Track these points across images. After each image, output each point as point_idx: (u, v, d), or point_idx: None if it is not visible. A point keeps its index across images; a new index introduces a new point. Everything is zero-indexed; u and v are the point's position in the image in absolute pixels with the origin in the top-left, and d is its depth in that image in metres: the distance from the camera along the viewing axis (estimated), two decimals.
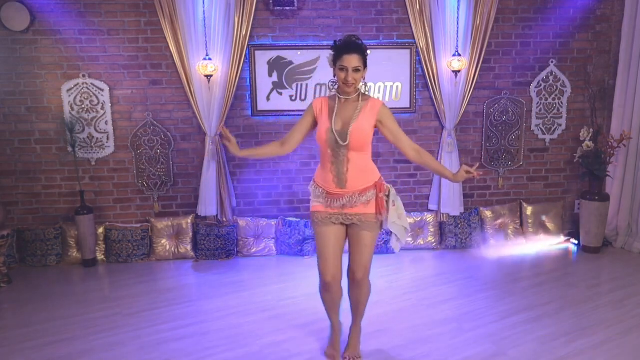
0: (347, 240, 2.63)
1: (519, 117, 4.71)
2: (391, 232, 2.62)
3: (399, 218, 2.60)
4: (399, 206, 2.63)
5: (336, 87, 2.56)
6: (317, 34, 4.43)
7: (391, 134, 2.56)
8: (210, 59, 4.17)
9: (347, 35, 2.51)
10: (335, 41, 2.52)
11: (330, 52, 2.51)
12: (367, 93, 2.65)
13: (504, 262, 4.29)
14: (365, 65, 2.52)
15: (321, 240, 2.55)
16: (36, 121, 4.34)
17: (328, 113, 2.53)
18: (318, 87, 4.46)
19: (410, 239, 4.60)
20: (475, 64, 4.44)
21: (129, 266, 4.33)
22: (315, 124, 2.60)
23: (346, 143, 2.44)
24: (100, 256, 4.44)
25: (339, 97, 2.54)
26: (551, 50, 4.65)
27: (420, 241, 4.63)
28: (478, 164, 2.70)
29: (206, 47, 4.20)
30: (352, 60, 2.43)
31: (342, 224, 2.56)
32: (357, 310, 2.73)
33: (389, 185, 2.63)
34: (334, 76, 2.51)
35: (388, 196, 2.59)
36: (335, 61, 2.48)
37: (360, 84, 2.55)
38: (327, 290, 2.59)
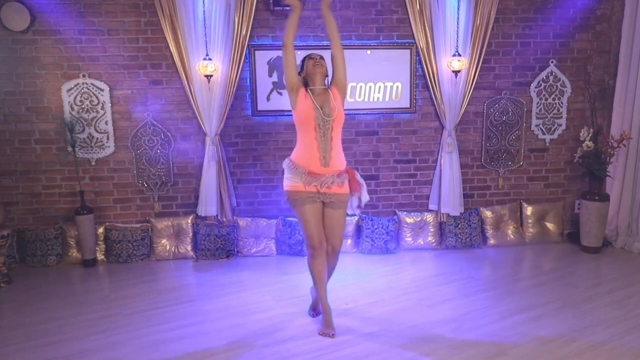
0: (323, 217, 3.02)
1: (519, 117, 4.71)
2: (358, 206, 3.12)
3: (366, 195, 3.12)
4: (365, 188, 3.13)
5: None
6: (317, 34, 4.43)
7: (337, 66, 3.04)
8: (210, 59, 4.17)
9: None
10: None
11: (299, 70, 3.07)
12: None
13: (504, 262, 4.29)
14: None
15: (306, 216, 2.95)
16: (36, 121, 4.34)
17: (310, 98, 2.94)
18: None
19: (410, 239, 4.60)
20: (475, 64, 4.44)
21: (129, 266, 4.33)
22: (296, 79, 2.98)
23: (332, 118, 2.90)
24: (100, 256, 4.43)
25: (312, 89, 2.99)
26: (551, 50, 4.65)
27: (420, 241, 4.63)
28: None
29: (206, 47, 4.20)
30: (316, 54, 3.04)
31: (321, 201, 2.97)
32: (329, 275, 3.16)
33: (354, 170, 3.11)
34: (306, 76, 3.02)
35: (357, 180, 3.06)
36: (303, 61, 3.06)
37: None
38: (317, 256, 2.97)
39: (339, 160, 2.97)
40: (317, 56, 3.02)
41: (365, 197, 3.11)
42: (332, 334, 2.97)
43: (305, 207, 2.93)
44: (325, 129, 2.90)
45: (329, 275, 3.17)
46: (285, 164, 3.02)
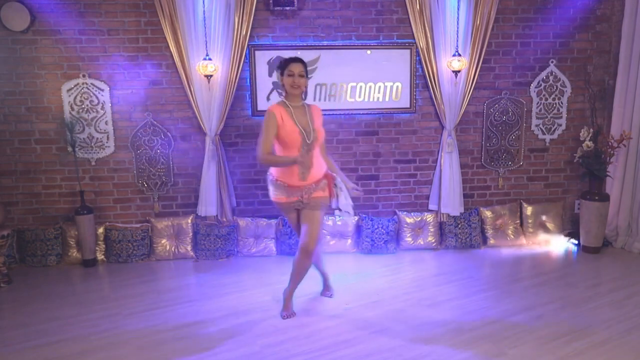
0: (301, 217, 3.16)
1: (519, 117, 4.71)
2: (340, 210, 3.18)
3: (345, 199, 3.15)
4: (345, 191, 3.17)
5: (283, 95, 3.10)
6: (317, 34, 4.43)
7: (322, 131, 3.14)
8: (210, 59, 4.17)
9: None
10: (280, 60, 3.13)
11: (276, 68, 3.12)
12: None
13: (504, 262, 4.29)
14: (306, 75, 3.08)
15: (293, 222, 3.25)
16: (36, 121, 4.34)
17: (290, 118, 3.00)
18: (318, 87, 4.46)
19: (410, 239, 4.60)
20: (475, 64, 4.44)
21: (129, 266, 4.33)
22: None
23: (311, 141, 3.00)
24: (100, 256, 4.43)
25: (292, 106, 3.05)
26: (551, 50, 4.65)
27: (420, 241, 4.63)
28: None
29: (206, 47, 4.20)
30: (298, 67, 3.01)
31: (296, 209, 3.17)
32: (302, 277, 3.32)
33: (334, 174, 3.19)
34: (282, 85, 3.07)
35: (335, 185, 3.15)
36: (282, 71, 3.04)
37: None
38: (309, 256, 3.12)
39: (318, 173, 3.10)
40: (297, 73, 3.00)
41: (344, 202, 3.13)
42: (291, 315, 3.24)
43: (290, 215, 3.22)
44: (307, 149, 3.01)
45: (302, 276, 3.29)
46: (268, 178, 3.18)
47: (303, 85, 3.04)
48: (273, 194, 3.15)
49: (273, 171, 3.13)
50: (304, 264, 3.17)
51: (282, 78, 3.06)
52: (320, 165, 3.12)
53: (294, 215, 3.21)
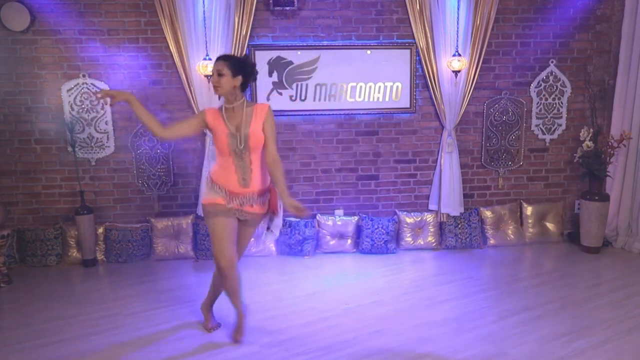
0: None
1: (519, 117, 4.71)
2: (268, 228, 2.97)
3: (277, 219, 2.94)
4: (281, 211, 2.93)
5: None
6: (317, 34, 4.43)
7: (265, 134, 2.78)
8: (210, 59, 4.16)
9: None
10: None
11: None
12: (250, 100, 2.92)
13: (504, 262, 4.30)
14: (235, 73, 2.72)
15: (220, 228, 2.77)
16: (36, 121, 4.34)
17: (222, 120, 2.76)
18: (318, 87, 4.46)
19: (410, 239, 4.60)
20: (475, 64, 4.44)
21: (128, 266, 4.33)
22: (200, 130, 2.87)
23: (243, 145, 2.71)
24: (100, 256, 4.43)
25: (225, 107, 2.79)
26: (551, 50, 4.65)
27: (420, 241, 4.63)
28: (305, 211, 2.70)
29: (206, 47, 4.20)
30: (217, 65, 2.71)
31: (237, 218, 2.83)
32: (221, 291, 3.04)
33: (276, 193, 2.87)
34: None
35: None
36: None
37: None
38: (224, 276, 2.81)
39: (261, 181, 2.81)
40: (216, 72, 2.69)
41: (276, 223, 2.92)
42: (241, 340, 2.93)
43: (221, 219, 2.77)
44: (242, 153, 2.73)
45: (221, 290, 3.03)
46: (203, 180, 2.88)
47: (223, 85, 2.70)
48: (207, 195, 2.83)
49: (212, 173, 2.86)
50: (227, 281, 2.87)
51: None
52: (261, 174, 2.80)
53: (228, 220, 2.78)
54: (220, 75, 2.69)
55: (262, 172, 2.81)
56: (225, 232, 2.77)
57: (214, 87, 2.74)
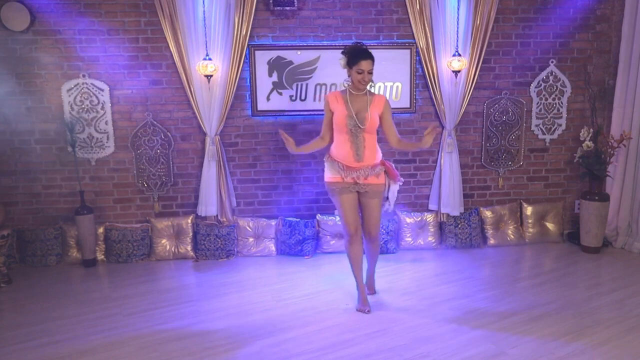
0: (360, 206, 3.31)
1: (519, 117, 4.71)
2: (387, 198, 3.38)
3: (394, 190, 3.40)
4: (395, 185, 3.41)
5: (349, 84, 3.24)
6: (317, 34, 4.43)
7: (386, 122, 3.30)
8: (210, 59, 4.17)
9: (359, 42, 3.26)
10: (346, 47, 3.25)
11: (342, 55, 3.20)
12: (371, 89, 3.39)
13: (504, 262, 4.29)
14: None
15: (343, 204, 3.24)
16: (36, 121, 4.34)
17: (344, 104, 3.20)
18: (318, 87, 4.46)
19: (410, 239, 4.61)
20: (475, 64, 4.44)
21: (129, 266, 4.33)
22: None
23: (364, 127, 3.15)
24: (100, 256, 4.43)
25: (350, 92, 3.22)
26: (551, 50, 4.65)
27: (420, 241, 4.63)
28: (434, 125, 3.25)
29: (206, 47, 4.20)
30: (368, 65, 3.13)
31: (357, 192, 3.25)
32: (373, 259, 3.50)
33: (391, 164, 3.38)
34: (349, 76, 3.20)
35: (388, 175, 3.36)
36: (351, 64, 3.14)
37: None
38: (353, 242, 3.26)
39: (372, 156, 3.22)
40: (367, 70, 3.11)
41: (393, 194, 3.37)
42: (368, 310, 3.27)
43: (343, 196, 3.23)
44: (357, 132, 3.16)
45: (374, 260, 3.49)
46: (325, 158, 3.31)
47: (369, 80, 3.18)
48: (329, 173, 3.27)
49: (330, 151, 3.28)
50: (373, 249, 3.39)
51: (350, 70, 3.16)
52: (374, 150, 3.23)
53: (344, 197, 3.23)
54: (370, 73, 3.14)
55: (373, 149, 3.22)
56: (349, 205, 3.24)
57: (364, 83, 3.15)
